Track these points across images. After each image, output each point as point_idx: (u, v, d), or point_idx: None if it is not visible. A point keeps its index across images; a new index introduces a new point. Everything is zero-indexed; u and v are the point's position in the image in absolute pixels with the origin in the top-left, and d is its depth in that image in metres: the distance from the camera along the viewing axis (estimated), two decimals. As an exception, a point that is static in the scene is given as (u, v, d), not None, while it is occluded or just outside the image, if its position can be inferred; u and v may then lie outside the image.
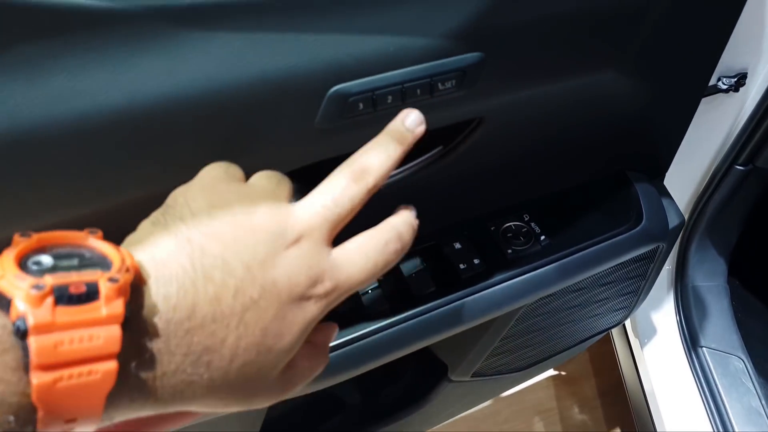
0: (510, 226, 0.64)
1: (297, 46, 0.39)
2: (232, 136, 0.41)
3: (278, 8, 0.38)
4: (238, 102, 0.39)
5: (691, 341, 1.01)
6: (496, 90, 0.48)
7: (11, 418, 0.21)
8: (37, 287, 0.22)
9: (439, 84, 0.44)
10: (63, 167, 0.37)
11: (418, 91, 0.43)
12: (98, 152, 0.37)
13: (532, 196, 0.67)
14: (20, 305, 0.21)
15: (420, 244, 0.63)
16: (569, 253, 0.62)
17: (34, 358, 0.21)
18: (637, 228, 0.65)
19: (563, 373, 1.54)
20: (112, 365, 0.23)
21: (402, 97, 0.43)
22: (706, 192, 0.97)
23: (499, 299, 0.60)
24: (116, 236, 0.30)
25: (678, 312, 1.05)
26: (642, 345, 1.08)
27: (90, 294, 0.23)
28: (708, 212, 0.99)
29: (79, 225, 0.39)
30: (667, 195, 0.74)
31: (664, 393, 1.02)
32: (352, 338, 0.56)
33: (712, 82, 0.86)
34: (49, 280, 0.22)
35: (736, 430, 0.90)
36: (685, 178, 0.97)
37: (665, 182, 0.78)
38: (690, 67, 0.61)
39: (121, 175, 0.39)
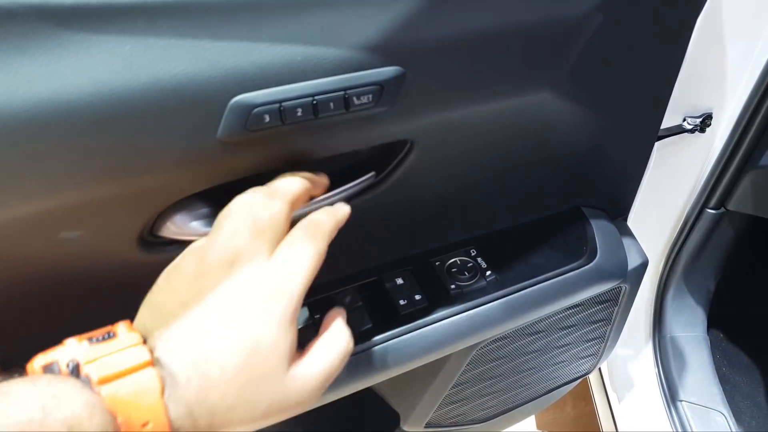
0: (456, 261, 0.61)
1: (194, 53, 0.37)
2: (125, 147, 0.38)
3: (172, 12, 0.36)
4: (130, 110, 0.37)
5: (671, 395, 0.96)
6: (421, 109, 0.46)
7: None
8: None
9: (355, 98, 0.42)
10: None
11: (332, 104, 0.41)
12: None
13: (479, 232, 0.64)
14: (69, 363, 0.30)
15: (360, 279, 0.60)
16: (516, 290, 0.59)
17: (93, 376, 0.29)
18: (590, 264, 0.61)
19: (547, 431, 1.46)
20: (151, 369, 0.30)
21: (314, 110, 0.41)
22: (679, 237, 0.94)
23: (442, 337, 0.56)
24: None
25: (657, 364, 1.00)
26: (620, 399, 1.02)
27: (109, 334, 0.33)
28: (683, 258, 0.95)
29: None
30: (630, 234, 0.71)
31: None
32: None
33: (678, 121, 0.84)
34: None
35: (717, 492, 0.83)
36: (657, 222, 0.94)
37: (635, 226, 0.75)
38: (637, 95, 0.59)
39: None
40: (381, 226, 0.58)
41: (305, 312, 0.57)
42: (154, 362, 0.31)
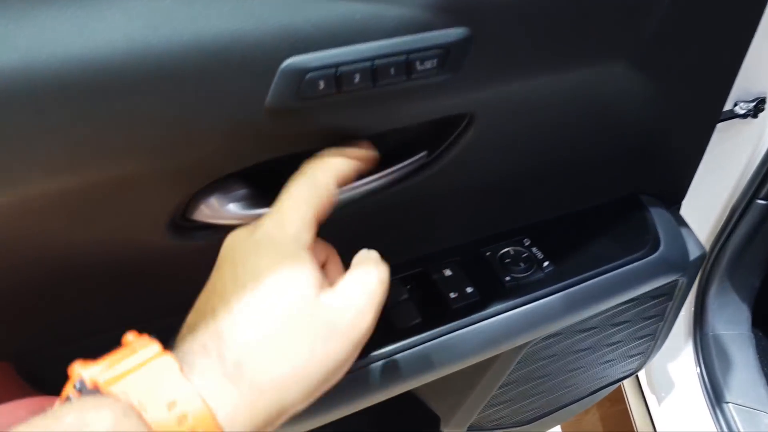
0: (508, 251, 0.56)
1: (242, 8, 0.32)
2: (162, 116, 0.34)
3: None
4: (168, 72, 0.32)
5: (715, 396, 0.91)
6: (486, 78, 0.41)
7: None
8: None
9: (418, 63, 0.37)
10: None
11: (392, 70, 0.36)
12: None
13: (533, 219, 0.59)
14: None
15: (404, 271, 0.55)
16: (577, 282, 0.54)
17: (100, 380, 0.27)
18: (654, 254, 0.57)
19: (573, 433, 1.41)
20: (165, 357, 0.28)
21: (373, 77, 0.36)
22: (725, 229, 0.89)
23: (496, 333, 0.52)
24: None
25: (698, 364, 0.95)
26: (659, 401, 0.97)
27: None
28: (728, 252, 0.90)
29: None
30: (685, 225, 0.66)
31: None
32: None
33: (729, 106, 0.79)
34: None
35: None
36: (702, 214, 0.89)
37: (680, 216, 0.70)
38: (703, 76, 0.54)
39: (16, 157, 0.32)
40: (428, 212, 0.53)
41: None
42: (169, 352, 0.29)
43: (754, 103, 0.77)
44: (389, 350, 0.49)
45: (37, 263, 0.42)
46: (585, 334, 0.63)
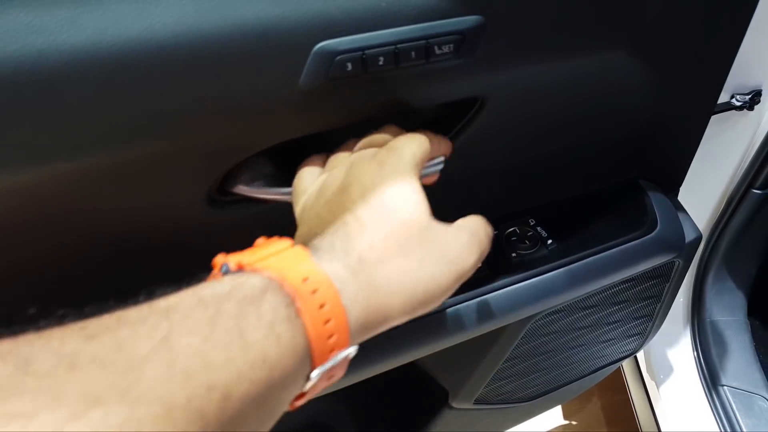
0: (514, 230, 0.60)
1: None
2: (207, 92, 0.37)
3: None
4: (215, 53, 0.36)
5: (711, 380, 0.94)
6: (497, 63, 0.45)
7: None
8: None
9: (436, 48, 0.41)
10: (13, 113, 0.33)
11: (413, 53, 0.40)
12: (55, 98, 0.34)
13: (538, 201, 0.63)
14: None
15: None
16: (579, 258, 0.58)
17: (249, 258, 0.31)
18: (652, 234, 0.60)
19: (574, 422, 1.45)
20: (295, 248, 0.32)
21: (395, 59, 0.40)
22: (722, 218, 0.92)
23: (504, 305, 0.55)
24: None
25: (695, 348, 0.98)
26: (658, 384, 1.01)
27: None
28: (725, 240, 0.94)
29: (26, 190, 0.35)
30: (682, 209, 0.70)
31: (683, 436, 0.95)
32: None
33: (726, 99, 0.83)
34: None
35: (764, 475, 0.82)
36: (700, 203, 0.93)
37: (679, 204, 0.73)
38: (701, 65, 0.58)
39: (81, 127, 0.36)
40: (441, 193, 0.57)
41: None
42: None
43: (749, 96, 0.81)
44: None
45: (85, 233, 0.45)
46: (586, 311, 0.67)
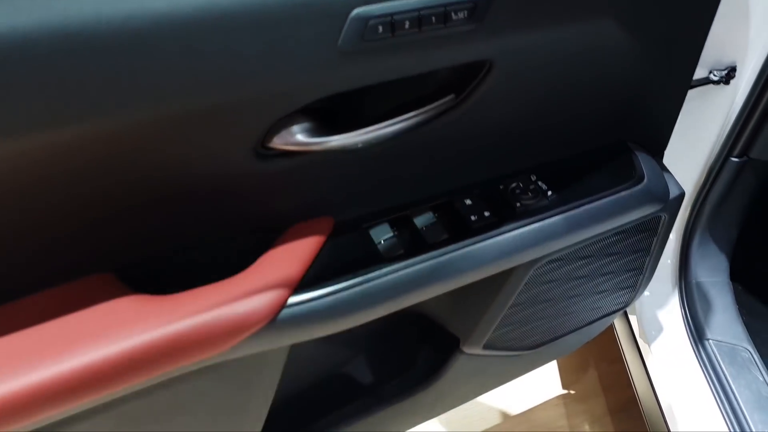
0: (518, 184, 0.68)
1: None
2: (257, 51, 0.44)
3: None
4: (266, 14, 0.43)
5: (698, 335, 1.02)
6: (503, 28, 0.52)
7: None
8: None
9: (453, 14, 0.48)
10: (104, 65, 0.40)
11: (433, 18, 0.48)
12: (142, 55, 0.41)
13: (537, 160, 0.71)
14: None
15: (432, 201, 0.67)
16: (576, 206, 0.65)
17: None
18: (639, 186, 0.68)
19: (572, 391, 1.53)
20: None
21: (419, 23, 0.48)
22: (704, 186, 1.01)
23: (510, 248, 0.63)
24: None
25: (683, 308, 1.07)
26: (650, 343, 1.09)
27: None
28: (707, 207, 1.02)
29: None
30: (667, 170, 0.78)
31: (673, 386, 1.03)
32: (368, 277, 0.59)
33: (704, 74, 0.91)
34: None
35: (746, 416, 0.90)
36: (683, 172, 1.01)
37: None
38: (680, 36, 0.66)
39: (164, 80, 0.43)
40: (454, 150, 0.64)
41: (386, 227, 0.64)
42: None
43: (725, 71, 0.89)
44: (422, 258, 0.61)
45: (141, 181, 0.52)
46: (583, 261, 0.75)
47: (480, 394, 0.96)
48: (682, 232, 1.06)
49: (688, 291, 1.06)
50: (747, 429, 0.89)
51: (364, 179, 0.63)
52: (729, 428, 0.90)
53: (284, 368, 0.79)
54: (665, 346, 1.06)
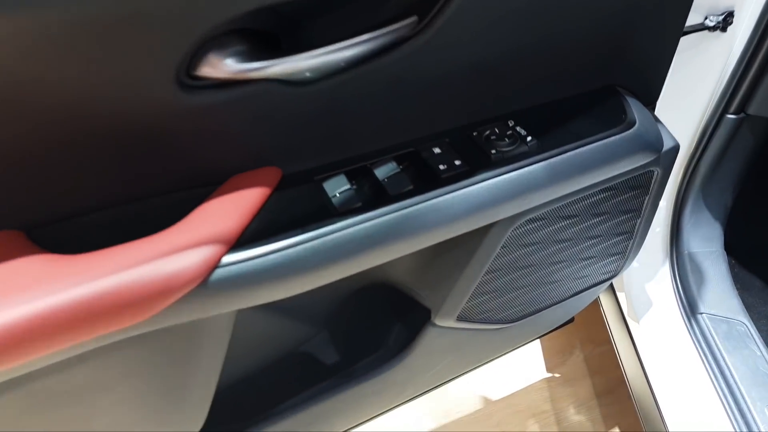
0: (494, 130, 0.59)
1: None
2: None
3: None
4: None
5: (690, 309, 0.95)
6: None
7: None
8: None
9: None
10: None
11: None
12: None
13: (517, 106, 0.62)
14: None
15: (396, 151, 0.58)
16: (559, 153, 0.57)
17: None
18: (630, 131, 0.60)
19: (557, 375, 1.46)
20: None
21: None
22: (698, 147, 0.93)
23: (485, 199, 0.55)
24: None
25: (674, 280, 0.99)
26: (639, 319, 1.02)
27: None
28: (701, 169, 0.95)
29: None
30: (659, 121, 0.70)
31: (664, 365, 0.96)
32: (320, 233, 0.50)
33: (699, 20, 0.83)
34: None
35: (744, 393, 0.83)
36: (675, 131, 0.93)
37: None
38: None
39: None
40: (419, 90, 0.56)
41: (342, 179, 0.56)
42: None
43: (722, 17, 0.81)
44: (383, 211, 0.52)
45: (48, 121, 0.44)
46: (567, 221, 0.67)
47: (457, 373, 0.88)
48: (673, 198, 0.98)
49: (679, 262, 0.99)
50: (744, 407, 0.82)
51: (316, 124, 0.54)
52: (725, 407, 0.83)
53: (241, 346, 0.71)
54: (655, 321, 0.99)
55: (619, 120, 0.61)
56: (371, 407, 0.84)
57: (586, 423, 1.37)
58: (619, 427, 1.36)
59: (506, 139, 0.58)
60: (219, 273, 0.48)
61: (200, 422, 0.67)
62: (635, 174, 0.66)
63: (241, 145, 0.53)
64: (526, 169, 0.56)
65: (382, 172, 0.56)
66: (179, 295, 0.47)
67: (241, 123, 0.51)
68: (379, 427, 1.31)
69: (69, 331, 0.45)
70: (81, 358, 0.50)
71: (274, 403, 0.76)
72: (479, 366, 0.93)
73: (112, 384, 0.55)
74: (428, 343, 0.73)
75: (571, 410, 1.39)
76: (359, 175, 0.56)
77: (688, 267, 0.98)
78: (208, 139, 0.51)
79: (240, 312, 0.58)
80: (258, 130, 0.52)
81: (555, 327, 0.93)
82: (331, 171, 0.56)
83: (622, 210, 0.71)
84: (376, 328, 0.78)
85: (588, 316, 1.53)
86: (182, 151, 0.51)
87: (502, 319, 0.76)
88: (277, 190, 0.54)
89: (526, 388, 1.44)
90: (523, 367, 1.47)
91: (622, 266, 0.81)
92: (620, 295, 1.11)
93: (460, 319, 0.71)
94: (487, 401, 1.41)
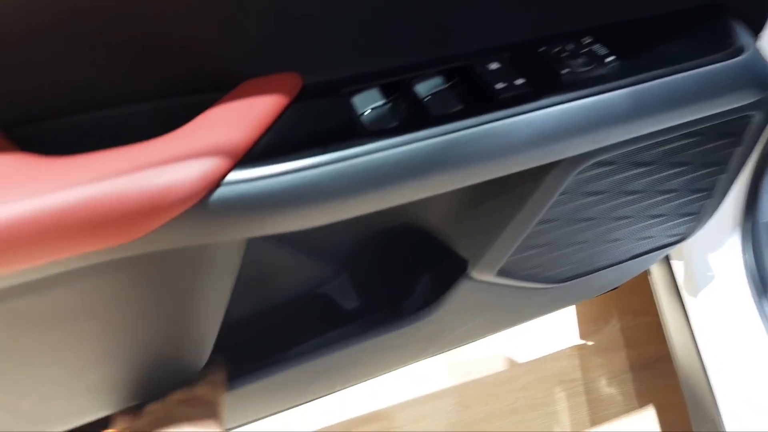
0: (566, 47, 0.49)
1: None
2: None
3: None
4: None
5: (763, 286, 0.84)
6: None
7: None
8: None
9: None
10: None
11: None
12: None
13: (598, 20, 0.51)
14: None
15: (443, 65, 0.48)
16: (645, 79, 0.46)
17: None
18: (737, 59, 0.49)
19: (591, 343, 1.37)
20: None
21: None
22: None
23: (549, 129, 0.45)
24: None
25: (746, 253, 0.88)
26: (697, 291, 0.91)
27: None
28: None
29: None
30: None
31: (723, 346, 0.85)
32: (346, 154, 0.41)
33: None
34: None
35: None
36: None
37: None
38: None
39: None
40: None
41: (375, 93, 0.46)
42: None
43: None
44: (424, 134, 0.43)
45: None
46: (640, 169, 0.56)
47: (485, 335, 0.79)
48: (755, 159, 0.85)
49: (754, 233, 0.87)
50: (816, 401, 0.71)
51: (347, 22, 0.44)
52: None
53: (251, 281, 0.63)
54: (718, 297, 0.88)
55: (724, 45, 0.49)
56: (390, 362, 0.76)
57: (618, 396, 1.28)
58: (654, 405, 1.27)
59: (581, 58, 0.47)
60: (222, 192, 0.40)
61: (203, 359, 0.61)
62: (729, 118, 0.55)
63: (256, 42, 0.43)
64: (603, 95, 0.45)
65: (424, 87, 0.46)
66: (173, 214, 0.39)
67: (255, 17, 0.42)
68: (394, 377, 1.24)
69: (39, 245, 0.38)
70: (58, 279, 0.43)
71: (285, 347, 0.68)
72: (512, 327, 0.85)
73: (99, 311, 0.49)
74: (462, 297, 0.64)
75: (603, 381, 1.31)
76: (396, 90, 0.47)
77: (764, 239, 0.86)
78: (216, 30, 0.42)
79: (251, 242, 0.50)
80: (276, 26, 0.43)
81: (603, 292, 0.83)
82: (362, 83, 0.47)
83: (705, 162, 0.60)
84: (403, 276, 0.69)
85: (630, 284, 1.42)
86: (185, 44, 0.42)
87: (548, 278, 0.66)
88: (297, 101, 0.45)
89: (554, 354, 1.35)
90: (553, 331, 1.38)
91: (693, 229, 0.70)
92: (675, 264, 1.00)
93: (501, 274, 0.61)
94: (512, 363, 1.33)
